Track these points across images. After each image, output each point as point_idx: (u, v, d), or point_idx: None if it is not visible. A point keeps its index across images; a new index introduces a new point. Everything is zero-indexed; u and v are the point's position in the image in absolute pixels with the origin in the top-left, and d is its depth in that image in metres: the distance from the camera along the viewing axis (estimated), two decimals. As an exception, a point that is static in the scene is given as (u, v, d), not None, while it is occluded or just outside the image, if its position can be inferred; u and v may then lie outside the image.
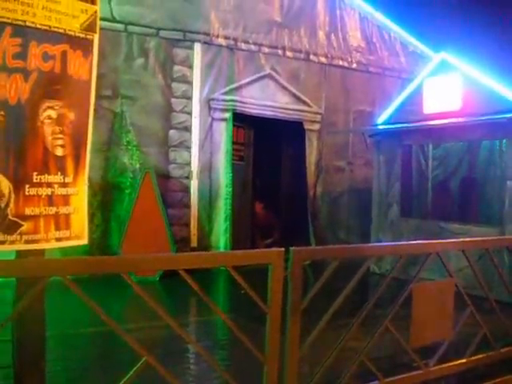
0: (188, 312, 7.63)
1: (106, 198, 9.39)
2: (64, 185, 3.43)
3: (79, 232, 3.55)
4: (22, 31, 3.16)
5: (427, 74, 9.99)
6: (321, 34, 11.87)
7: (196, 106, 10.35)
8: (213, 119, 10.56)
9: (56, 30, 3.30)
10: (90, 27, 3.47)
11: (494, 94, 8.75)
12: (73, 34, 3.39)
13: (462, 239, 5.47)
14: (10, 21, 3.11)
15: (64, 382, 4.81)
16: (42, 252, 3.38)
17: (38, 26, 3.22)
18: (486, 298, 5.02)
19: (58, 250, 3.87)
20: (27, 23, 3.17)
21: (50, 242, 3.37)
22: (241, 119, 11.14)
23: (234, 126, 10.91)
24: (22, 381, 3.52)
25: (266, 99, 11.07)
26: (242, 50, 10.83)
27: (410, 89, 10.37)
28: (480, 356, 4.97)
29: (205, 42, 10.40)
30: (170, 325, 3.26)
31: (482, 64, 9.24)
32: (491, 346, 5.08)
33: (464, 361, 4.86)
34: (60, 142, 3.40)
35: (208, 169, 10.49)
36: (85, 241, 3.61)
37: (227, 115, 10.67)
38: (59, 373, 4.87)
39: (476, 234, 8.32)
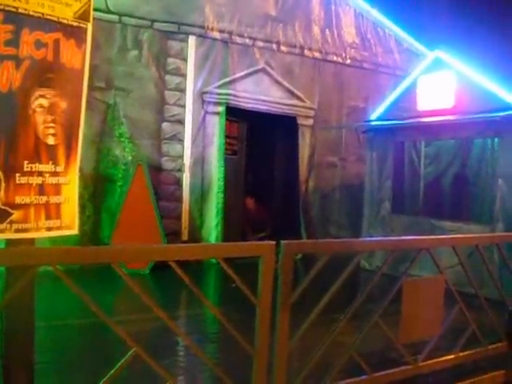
0: (178, 305, 7.62)
1: (98, 189, 9.36)
2: (55, 174, 3.40)
3: (70, 222, 3.52)
4: (14, 18, 3.12)
5: (421, 71, 10.00)
6: (315, 30, 11.85)
7: (189, 99, 10.32)
8: (206, 112, 10.53)
9: (49, 17, 3.27)
10: (83, 16, 3.44)
11: (487, 93, 8.76)
12: (66, 22, 3.36)
13: (452, 236, 5.49)
14: (1, 7, 3.07)
15: (53, 373, 4.79)
16: (32, 241, 3.35)
17: (31, 12, 3.18)
18: (476, 295, 5.04)
19: (48, 240, 3.84)
20: (19, 10, 3.14)
21: (41, 231, 3.35)
22: (234, 113, 11.12)
23: (227, 119, 10.89)
24: (10, 372, 3.50)
25: (260, 93, 11.06)
26: (237, 44, 10.80)
27: (403, 86, 10.38)
28: (468, 352, 5.00)
29: (199, 35, 10.36)
30: (161, 317, 3.25)
31: (476, 62, 9.26)
32: (479, 342, 5.10)
33: (452, 356, 4.88)
34: (52, 130, 3.37)
35: (200, 162, 10.46)
36: (75, 231, 3.59)
37: (220, 109, 10.64)
38: (48, 364, 4.85)
39: (467, 231, 8.35)
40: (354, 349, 4.16)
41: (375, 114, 10.80)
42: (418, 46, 13.17)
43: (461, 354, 4.93)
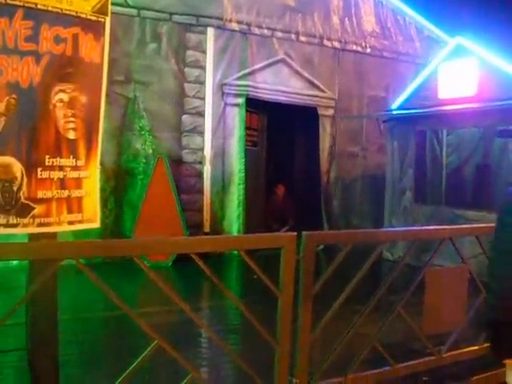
0: (200, 297, 7.66)
1: (119, 183, 9.41)
2: (76, 168, 3.44)
3: (91, 215, 3.55)
4: (34, 14, 3.15)
5: (442, 58, 9.88)
6: (335, 19, 11.75)
7: (209, 91, 10.31)
8: (226, 104, 10.52)
9: (67, 12, 3.29)
10: (101, 10, 3.45)
11: (510, 79, 8.63)
12: (84, 16, 3.38)
13: (475, 225, 5.43)
14: (21, 3, 3.10)
15: (76, 365, 4.85)
16: (54, 235, 3.39)
17: (50, 8, 3.21)
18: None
19: (70, 233, 3.88)
20: (38, 6, 3.16)
21: (63, 225, 3.38)
22: (254, 104, 11.09)
23: (247, 111, 10.85)
24: (36, 363, 3.55)
25: (280, 84, 11.01)
26: (256, 35, 10.75)
27: (424, 74, 10.26)
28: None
29: (218, 27, 10.33)
30: (183, 309, 3.27)
31: (499, 48, 9.11)
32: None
33: (476, 348, 4.84)
34: (72, 125, 3.40)
35: (221, 154, 10.46)
36: (97, 224, 3.62)
37: (240, 100, 10.62)
38: (71, 356, 4.90)
39: (490, 220, 8.23)
40: (376, 340, 4.15)
41: (396, 103, 10.71)
42: (438, 33, 13.00)
43: (485, 344, 4.88)
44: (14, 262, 7.03)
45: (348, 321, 4.06)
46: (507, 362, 2.62)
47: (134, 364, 3.14)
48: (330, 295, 3.87)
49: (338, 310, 3.88)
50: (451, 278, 4.53)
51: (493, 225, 5.67)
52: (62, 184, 3.36)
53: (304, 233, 3.68)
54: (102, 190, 4.00)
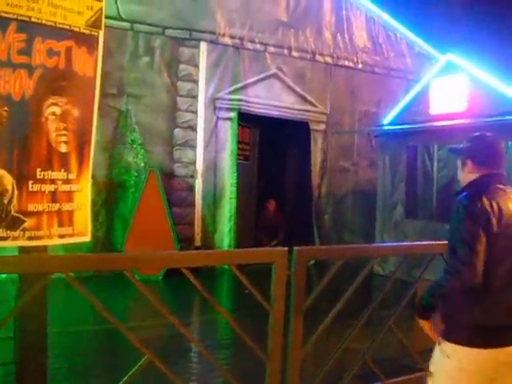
0: (191, 311, 7.62)
1: (111, 196, 9.39)
2: (67, 181, 3.42)
3: (82, 229, 3.54)
4: (27, 27, 3.15)
5: (433, 74, 9.95)
6: (327, 34, 11.84)
7: (201, 105, 10.34)
8: (218, 118, 10.54)
9: (61, 26, 3.30)
10: (95, 24, 3.46)
11: (500, 95, 8.70)
12: (78, 30, 3.38)
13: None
14: (15, 16, 3.11)
15: (65, 379, 4.81)
16: (44, 248, 3.37)
17: (44, 21, 3.21)
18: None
19: (61, 247, 3.86)
20: (32, 19, 3.17)
21: (53, 239, 3.36)
22: (246, 119, 11.13)
23: (239, 125, 10.90)
24: (24, 378, 3.51)
25: (272, 99, 11.06)
26: (248, 50, 10.81)
27: (415, 90, 10.33)
28: None
29: (211, 41, 10.39)
30: (173, 323, 3.25)
31: (489, 65, 9.20)
32: None
33: None
34: (64, 138, 3.39)
35: (213, 168, 10.47)
36: (88, 238, 3.60)
37: (232, 114, 10.65)
38: (61, 370, 4.86)
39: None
40: (367, 355, 4.13)
41: (387, 118, 10.76)
42: (429, 49, 13.12)
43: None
44: (3, 275, 6.98)
45: (339, 336, 4.04)
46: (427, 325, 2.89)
47: (124, 379, 3.11)
48: (321, 310, 3.86)
49: (330, 325, 3.86)
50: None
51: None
52: (54, 197, 3.35)
53: (295, 248, 3.66)
54: (93, 202, 3.98)
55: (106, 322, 3.05)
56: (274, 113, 11.12)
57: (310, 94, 11.57)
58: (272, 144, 12.30)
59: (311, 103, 11.61)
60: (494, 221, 2.62)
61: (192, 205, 10.18)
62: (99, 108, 3.69)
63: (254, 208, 12.17)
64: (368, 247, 5.03)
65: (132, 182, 9.53)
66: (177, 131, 10.10)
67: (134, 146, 9.60)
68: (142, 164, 9.60)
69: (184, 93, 10.17)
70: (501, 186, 2.78)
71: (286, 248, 3.64)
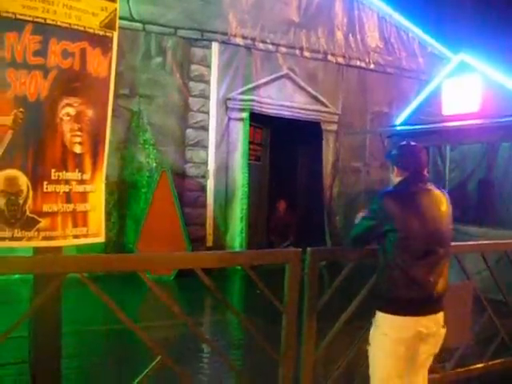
0: (203, 311, 7.63)
1: (123, 196, 9.41)
2: (82, 182, 3.44)
3: (96, 229, 3.55)
4: (43, 28, 3.17)
5: (446, 75, 9.92)
6: (339, 35, 11.81)
7: (213, 106, 10.34)
8: (230, 119, 10.55)
9: (76, 27, 3.31)
10: (109, 25, 3.48)
11: (513, 96, 8.65)
12: (92, 31, 3.40)
13: (480, 241, 5.41)
14: (30, 18, 3.13)
15: (79, 379, 4.83)
16: (59, 249, 3.39)
17: (59, 23, 3.23)
18: (504, 302, 4.97)
19: (73, 247, 3.88)
20: (47, 21, 3.18)
21: (68, 239, 3.38)
22: (258, 119, 11.12)
23: (250, 125, 10.89)
24: (38, 377, 3.53)
25: (284, 99, 11.04)
26: (260, 50, 10.81)
27: (428, 90, 10.30)
28: (498, 361, 4.92)
29: (222, 42, 10.39)
30: (186, 323, 3.26)
31: (502, 65, 9.14)
32: (509, 350, 5.03)
33: (481, 365, 4.82)
34: (78, 139, 3.41)
35: (224, 168, 10.48)
36: (102, 238, 3.62)
37: (244, 115, 10.65)
38: (74, 370, 4.88)
39: (493, 237, 8.21)
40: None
41: (400, 118, 10.74)
42: (442, 49, 13.05)
43: (490, 362, 4.86)
44: (16, 275, 7.02)
45: (353, 337, 4.04)
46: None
47: (138, 379, 3.13)
48: (334, 312, 3.87)
49: (343, 327, 3.87)
50: (455, 294, 4.50)
51: (497, 241, 5.64)
52: (68, 198, 3.37)
53: (309, 249, 3.67)
54: (106, 202, 3.99)
55: (119, 322, 3.07)
56: (286, 113, 11.11)
57: (322, 94, 11.55)
58: (283, 144, 12.30)
59: (323, 103, 11.59)
60: (397, 215, 3.23)
61: (204, 205, 10.18)
62: (112, 109, 3.70)
63: (266, 209, 12.16)
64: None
65: (144, 182, 9.55)
66: (189, 131, 10.12)
67: (146, 146, 9.62)
68: (154, 164, 9.62)
69: (196, 93, 10.19)
70: (423, 186, 3.38)
71: (300, 249, 3.65)
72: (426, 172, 3.48)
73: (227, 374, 4.81)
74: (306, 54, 11.36)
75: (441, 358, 4.49)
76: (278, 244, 11.24)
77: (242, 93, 10.59)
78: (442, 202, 3.44)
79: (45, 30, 3.17)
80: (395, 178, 3.49)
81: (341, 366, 3.95)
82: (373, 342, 3.41)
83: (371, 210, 3.42)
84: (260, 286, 3.40)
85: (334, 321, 3.88)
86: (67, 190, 3.36)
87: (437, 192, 3.45)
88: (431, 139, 10.07)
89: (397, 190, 3.44)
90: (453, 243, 4.66)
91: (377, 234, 3.37)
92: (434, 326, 3.34)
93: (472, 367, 4.76)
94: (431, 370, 4.38)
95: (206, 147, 10.25)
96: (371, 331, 3.44)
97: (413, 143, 3.56)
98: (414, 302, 3.26)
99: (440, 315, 3.40)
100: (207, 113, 10.28)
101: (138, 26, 9.59)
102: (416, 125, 10.07)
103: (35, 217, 3.23)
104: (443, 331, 3.44)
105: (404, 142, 3.59)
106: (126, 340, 5.14)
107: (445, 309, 3.45)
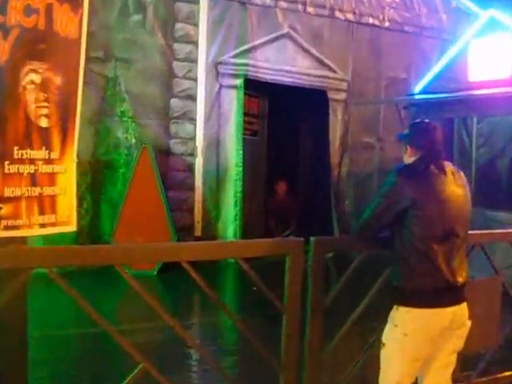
0: (191, 312, 7.67)
1: (97, 178, 9.41)
2: (49, 161, 3.43)
3: (67, 217, 3.55)
4: (1, -19, 3.14)
5: (473, 34, 9.91)
6: (348, -13, 11.77)
7: (201, 71, 10.31)
8: (221, 86, 10.53)
9: (40, -21, 3.29)
10: (79, -24, 3.45)
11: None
12: (60, -17, 3.38)
13: (510, 230, 5.43)
14: (-14, -32, 3.10)
15: (48, 389, 4.86)
16: (24, 240, 3.39)
17: (20, -26, 3.21)
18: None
19: (39, 238, 3.88)
20: (7, -28, 3.16)
21: (34, 229, 3.38)
22: (254, 86, 11.10)
23: (245, 94, 10.88)
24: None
25: (284, 63, 11.01)
26: (256, 5, 10.75)
27: (452, 52, 10.29)
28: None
29: (212, -4, 10.35)
30: (171, 326, 3.27)
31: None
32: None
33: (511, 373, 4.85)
34: (45, 111, 3.39)
35: (215, 145, 10.47)
36: (73, 227, 3.62)
37: (238, 82, 10.63)
38: (44, 380, 4.91)
39: (528, 224, 8.27)
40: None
41: (419, 86, 10.74)
42: (468, 4, 12.99)
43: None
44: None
45: (363, 340, 4.07)
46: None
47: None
48: (342, 310, 3.88)
49: (352, 328, 3.89)
50: (482, 291, 4.53)
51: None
52: (33, 180, 3.36)
53: (313, 238, 3.68)
54: (78, 185, 3.95)
55: (94, 325, 3.08)
56: (287, 79, 11.09)
57: (329, 57, 11.51)
58: (284, 116, 12.28)
59: (330, 68, 11.56)
60: (414, 193, 3.34)
61: (191, 188, 10.19)
62: (84, 75, 3.68)
63: (263, 191, 12.17)
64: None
65: (122, 162, 9.54)
66: (173, 101, 10.10)
67: (124, 118, 9.60)
68: (133, 140, 9.61)
69: (181, 56, 10.14)
70: (438, 166, 3.50)
71: (302, 239, 3.66)
72: (441, 151, 3.63)
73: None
74: (310, 9, 11.31)
75: (466, 365, 4.54)
76: (278, 233, 11.27)
77: (236, 56, 10.56)
78: (459, 184, 3.57)
79: (4, -17, 3.15)
80: (408, 159, 3.63)
81: (350, 374, 3.97)
82: (389, 344, 3.48)
83: (383, 189, 3.52)
84: (256, 282, 3.42)
85: (342, 321, 3.90)
86: (32, 171, 3.35)
87: (454, 172, 3.59)
88: (455, 110, 10.08)
89: (411, 166, 3.57)
90: (478, 231, 4.70)
91: (390, 220, 3.46)
92: (460, 317, 3.46)
93: (500, 375, 4.79)
94: (455, 379, 4.41)
95: (193, 120, 10.24)
96: (386, 331, 3.51)
97: (427, 120, 3.74)
98: (438, 291, 3.37)
99: (464, 305, 3.52)
100: (195, 79, 10.26)
101: (113, -23, 9.54)
102: (438, 93, 10.06)
103: (-5, 203, 3.23)
104: (469, 323, 3.56)
105: (418, 120, 3.80)
106: (102, 345, 5.16)
107: (469, 307, 3.50)
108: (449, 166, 3.57)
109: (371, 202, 3.59)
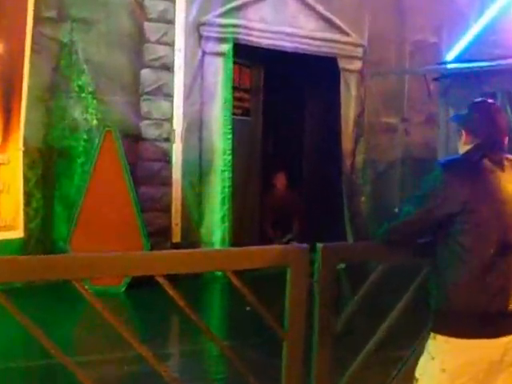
0: (168, 338, 7.69)
1: (49, 170, 9.37)
2: (-12, 151, 3.44)
3: (11, 219, 3.57)
4: None
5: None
6: None
7: (180, 34, 10.30)
8: (204, 53, 10.51)
9: None
10: None
11: None
12: None
13: None
14: None
15: None
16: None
17: None
18: None
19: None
20: None
21: (-31, 235, 3.39)
22: (245, 54, 11.11)
23: (235, 63, 10.87)
24: None
25: (283, 24, 11.01)
26: (248, -50, 10.79)
27: (493, 11, 10.30)
28: None
29: None
30: (143, 356, 3.28)
31: None
32: None
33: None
34: (-19, 87, 3.40)
35: (198, 127, 10.47)
36: (20, 232, 3.64)
37: (225, 47, 10.61)
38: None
39: None
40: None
41: (452, 53, 10.75)
42: None
43: None
44: None
45: (383, 373, 4.09)
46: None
47: None
48: (358, 335, 3.90)
49: (370, 358, 3.90)
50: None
51: None
52: (-32, 174, 3.37)
53: (320, 245, 3.69)
54: (25, 179, 3.93)
55: (47, 355, 3.09)
56: (287, 44, 11.10)
57: (340, 16, 11.53)
58: (283, 91, 12.30)
59: (341, 30, 11.57)
60: (465, 195, 3.27)
61: (168, 182, 10.19)
62: (32, 40, 3.69)
63: (258, 186, 12.18)
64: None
65: (80, 149, 9.52)
66: (145, 73, 10.08)
67: (83, 95, 9.57)
68: (95, 121, 9.59)
69: (154, 16, 10.12)
70: (497, 159, 3.42)
71: (306, 245, 3.67)
72: (503, 142, 3.53)
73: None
74: (316, -44, 11.34)
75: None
76: (277, 238, 11.29)
77: (223, 15, 10.55)
78: None
79: None
80: (463, 146, 3.55)
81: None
82: (423, 380, 3.44)
83: (424, 188, 3.46)
84: (250, 301, 3.43)
85: (357, 350, 3.92)
86: (-33, 163, 3.36)
87: None
88: (497, 82, 10.11)
89: (462, 159, 3.51)
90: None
91: (428, 227, 3.46)
92: None
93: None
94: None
95: (170, 96, 10.24)
96: (421, 363, 3.47)
97: (490, 100, 3.65)
98: (488, 317, 3.30)
99: None
100: (171, 45, 10.24)
101: None
102: (476, 61, 10.08)
103: None
104: None
105: (479, 99, 3.70)
106: (57, 381, 5.17)
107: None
108: (509, 161, 3.48)
109: (406, 203, 3.58)
